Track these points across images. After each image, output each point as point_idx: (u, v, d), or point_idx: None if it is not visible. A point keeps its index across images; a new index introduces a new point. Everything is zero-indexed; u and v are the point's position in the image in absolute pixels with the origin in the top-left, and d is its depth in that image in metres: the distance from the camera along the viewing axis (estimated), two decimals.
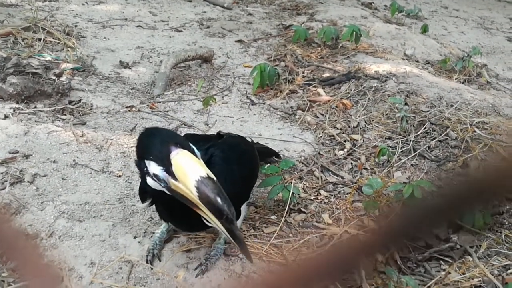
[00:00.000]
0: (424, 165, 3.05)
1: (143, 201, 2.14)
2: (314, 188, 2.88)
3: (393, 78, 3.93)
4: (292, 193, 2.58)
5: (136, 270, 2.21)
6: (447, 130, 3.24)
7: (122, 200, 2.63)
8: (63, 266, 2.18)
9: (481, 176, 0.61)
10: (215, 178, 1.75)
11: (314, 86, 4.02)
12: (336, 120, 3.55)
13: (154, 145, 1.82)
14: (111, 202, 2.61)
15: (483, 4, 7.55)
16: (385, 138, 3.30)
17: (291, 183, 2.73)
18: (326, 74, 4.21)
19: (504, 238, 2.50)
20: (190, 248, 2.36)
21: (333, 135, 3.38)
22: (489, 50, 5.62)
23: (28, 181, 2.66)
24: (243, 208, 2.39)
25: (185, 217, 2.03)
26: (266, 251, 2.36)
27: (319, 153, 3.21)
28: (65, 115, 3.38)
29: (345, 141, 3.31)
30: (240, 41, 5.02)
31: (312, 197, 2.80)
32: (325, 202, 2.77)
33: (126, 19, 5.31)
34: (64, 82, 3.56)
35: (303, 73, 4.27)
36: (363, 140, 3.31)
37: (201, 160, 1.83)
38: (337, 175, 3.00)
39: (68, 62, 3.96)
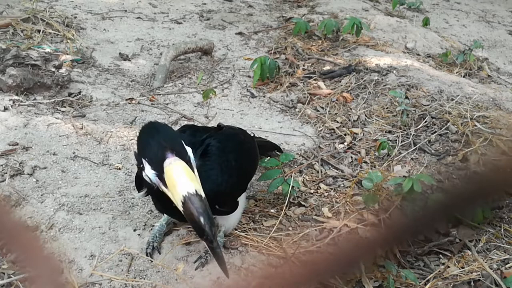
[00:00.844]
0: (424, 159, 3.05)
1: (139, 190, 2.14)
2: (314, 181, 2.88)
3: (394, 71, 3.92)
4: (292, 186, 2.58)
5: (136, 262, 2.22)
6: (448, 124, 3.24)
7: (122, 193, 2.63)
8: (63, 258, 2.19)
9: (481, 171, 0.60)
10: (203, 195, 1.72)
11: (315, 79, 4.02)
12: (336, 114, 3.54)
13: (151, 147, 1.79)
14: (111, 194, 2.61)
15: None
16: (385, 132, 3.30)
17: (291, 176, 2.73)
18: (327, 67, 4.20)
19: (503, 233, 2.51)
20: (190, 241, 2.36)
21: (333, 129, 3.38)
22: (490, 43, 5.60)
23: (27, 173, 2.66)
24: (243, 200, 2.39)
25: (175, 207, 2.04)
26: (265, 244, 2.36)
27: (319, 146, 3.20)
28: (65, 107, 3.38)
29: (345, 135, 3.31)
30: (240, 33, 5.01)
31: (312, 191, 2.80)
32: (324, 196, 2.77)
33: (125, 11, 5.28)
34: (64, 74, 3.56)
35: (303, 66, 4.26)
36: (363, 134, 3.31)
37: (195, 171, 1.79)
38: (337, 169, 3.00)
39: (67, 54, 3.95)
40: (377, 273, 2.15)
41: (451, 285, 2.16)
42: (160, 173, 1.74)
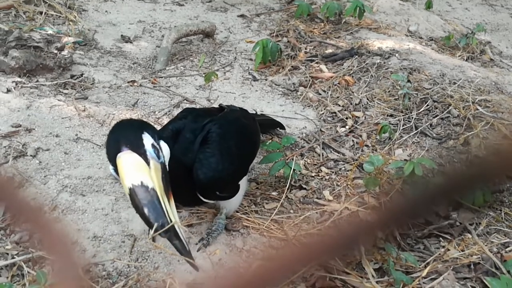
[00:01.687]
0: (426, 142, 3.06)
1: None
2: (315, 165, 2.89)
3: (396, 54, 3.91)
4: (293, 169, 2.59)
5: (139, 244, 2.24)
6: (449, 108, 3.24)
7: None
8: (68, 239, 2.21)
9: (482, 154, 0.61)
10: (150, 186, 1.68)
11: (317, 62, 4.01)
12: (338, 97, 3.54)
13: (108, 143, 1.80)
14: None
15: None
16: (387, 116, 3.30)
17: (293, 159, 2.74)
18: (329, 50, 4.19)
19: (504, 216, 2.52)
20: (192, 223, 2.38)
21: (335, 112, 3.38)
22: (493, 27, 5.57)
23: (31, 155, 2.68)
24: (244, 183, 2.41)
25: (180, 190, 2.05)
26: (267, 226, 2.38)
27: (320, 130, 3.21)
28: (67, 89, 3.38)
29: (346, 118, 3.31)
30: (242, 16, 4.98)
31: (313, 174, 2.81)
32: (326, 179, 2.78)
33: None
34: (66, 56, 3.55)
35: (305, 49, 4.25)
36: (365, 117, 3.31)
37: (151, 163, 1.74)
38: (338, 152, 3.01)
39: (69, 36, 3.94)
40: (377, 255, 2.17)
41: (451, 268, 2.18)
42: (115, 167, 1.73)
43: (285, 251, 0.66)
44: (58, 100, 3.18)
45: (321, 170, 2.84)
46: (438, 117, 3.20)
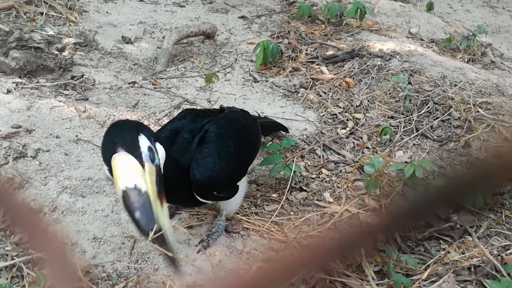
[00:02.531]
0: (426, 144, 3.06)
1: None
2: (316, 166, 2.89)
3: (397, 56, 3.91)
4: (294, 171, 2.58)
5: (139, 245, 2.24)
6: (450, 110, 3.23)
7: None
8: (66, 241, 2.21)
9: (483, 157, 0.61)
10: (143, 189, 1.65)
11: (317, 64, 4.00)
12: (339, 99, 3.54)
13: (104, 144, 1.76)
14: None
15: None
16: (388, 117, 3.30)
17: (293, 161, 2.73)
18: (330, 52, 4.19)
19: (504, 219, 2.52)
20: (192, 224, 2.38)
21: (335, 114, 3.38)
22: (494, 29, 5.57)
23: (31, 156, 2.67)
24: (244, 184, 2.40)
25: (178, 191, 2.05)
26: (267, 228, 2.38)
27: (321, 131, 3.21)
28: (68, 90, 3.38)
29: (347, 120, 3.30)
30: (243, 17, 4.98)
31: (313, 176, 2.81)
32: (326, 181, 2.78)
33: None
34: (67, 57, 3.55)
35: (306, 50, 4.25)
36: (366, 119, 3.30)
37: (146, 165, 1.71)
38: (339, 154, 3.00)
39: (70, 37, 3.94)
40: (377, 258, 2.16)
41: (451, 271, 2.17)
42: (110, 168, 1.70)
43: (285, 253, 0.65)
44: (59, 101, 3.18)
45: (322, 172, 2.84)
46: (439, 119, 3.20)
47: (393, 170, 2.58)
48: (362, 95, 3.52)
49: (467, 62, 4.21)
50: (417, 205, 0.63)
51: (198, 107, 3.34)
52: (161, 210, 1.71)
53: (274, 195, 2.63)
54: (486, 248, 2.30)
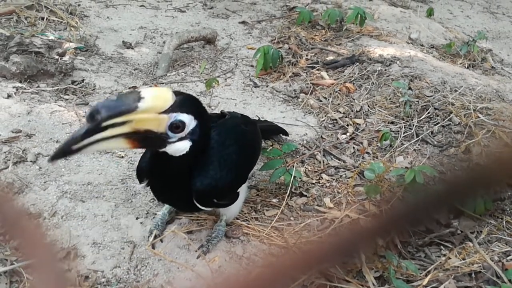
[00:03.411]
0: (427, 150, 3.05)
1: (140, 181, 2.12)
2: (316, 172, 2.88)
3: (397, 62, 3.91)
4: (294, 176, 2.58)
5: (138, 250, 2.23)
6: (451, 115, 3.23)
7: (124, 181, 2.64)
8: (65, 246, 2.20)
9: (483, 162, 0.61)
10: (120, 120, 1.58)
11: (318, 69, 4.01)
12: (339, 104, 3.54)
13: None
14: (114, 182, 2.62)
15: None
16: (388, 123, 3.29)
17: (293, 166, 2.73)
18: (330, 57, 4.19)
19: (505, 224, 2.51)
20: (192, 229, 2.37)
21: (335, 119, 3.38)
22: (494, 34, 5.58)
23: (31, 161, 2.67)
24: (244, 190, 2.39)
25: (178, 197, 2.04)
26: (267, 233, 2.37)
27: (321, 136, 3.20)
28: (68, 95, 3.38)
29: (347, 125, 3.30)
30: (243, 22, 4.99)
31: (313, 181, 2.80)
32: (326, 186, 2.77)
33: None
34: (67, 62, 3.56)
35: (306, 55, 4.25)
36: (366, 124, 3.30)
37: (159, 117, 1.68)
38: (339, 159, 3.00)
39: (71, 42, 3.95)
40: (377, 264, 2.16)
41: (452, 277, 2.17)
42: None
43: (285, 259, 0.65)
44: (59, 105, 3.18)
45: (322, 177, 2.84)
46: (439, 124, 3.20)
47: (394, 175, 2.57)
48: (362, 101, 3.52)
49: (467, 68, 4.22)
50: (418, 210, 0.63)
51: None
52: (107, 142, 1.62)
53: (274, 200, 2.63)
54: (486, 254, 2.29)
